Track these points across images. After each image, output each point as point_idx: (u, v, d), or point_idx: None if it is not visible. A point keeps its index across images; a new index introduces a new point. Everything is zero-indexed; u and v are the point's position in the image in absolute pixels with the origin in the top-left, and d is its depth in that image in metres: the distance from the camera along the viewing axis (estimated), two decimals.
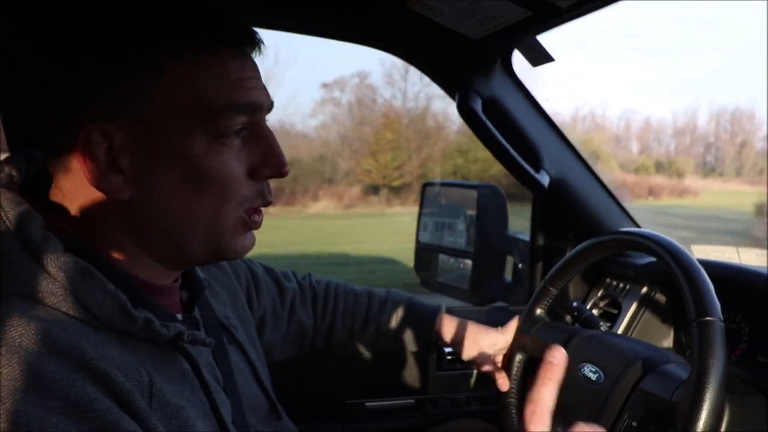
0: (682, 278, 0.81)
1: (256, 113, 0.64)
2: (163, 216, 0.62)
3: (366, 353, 1.38)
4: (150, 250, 0.64)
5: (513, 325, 1.11)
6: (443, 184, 2.05)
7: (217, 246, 0.65)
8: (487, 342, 1.10)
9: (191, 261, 0.68)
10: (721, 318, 0.76)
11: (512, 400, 1.09)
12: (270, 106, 0.67)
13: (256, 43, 0.65)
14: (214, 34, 0.61)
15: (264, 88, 0.66)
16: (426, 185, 2.00)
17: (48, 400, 0.46)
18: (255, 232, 0.69)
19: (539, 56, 1.11)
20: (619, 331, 1.22)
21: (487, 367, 1.10)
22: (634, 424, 0.84)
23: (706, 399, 0.71)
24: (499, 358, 1.11)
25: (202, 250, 0.64)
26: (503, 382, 1.07)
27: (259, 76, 0.66)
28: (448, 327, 1.12)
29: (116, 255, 0.62)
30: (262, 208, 0.68)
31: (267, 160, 0.65)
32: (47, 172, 0.62)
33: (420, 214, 1.98)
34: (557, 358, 0.63)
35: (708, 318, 0.76)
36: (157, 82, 0.59)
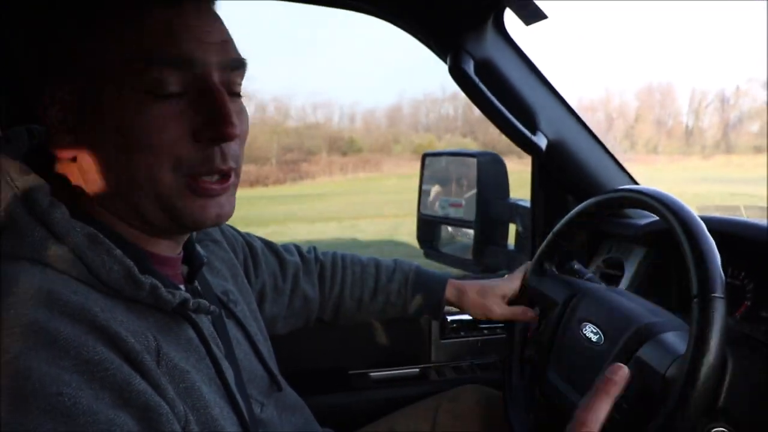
0: (686, 246, 0.78)
1: (193, 68, 0.59)
2: (111, 177, 0.60)
3: (369, 323, 1.38)
4: (124, 214, 0.63)
5: (520, 273, 1.14)
6: (443, 154, 2.03)
7: (170, 211, 0.62)
8: (495, 293, 1.12)
9: (158, 226, 0.64)
10: (724, 294, 0.73)
11: (516, 351, 1.09)
12: (227, 63, 0.62)
13: None
14: None
15: (220, 44, 0.62)
16: (426, 155, 1.98)
17: (61, 360, 0.47)
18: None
19: (531, 14, 1.08)
20: None
21: (504, 315, 1.11)
22: (629, 393, 0.83)
23: (699, 381, 0.69)
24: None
25: (159, 214, 0.62)
26: (529, 313, 1.10)
27: (216, 29, 0.62)
28: (457, 292, 1.14)
29: (118, 224, 0.63)
30: (227, 176, 0.64)
31: (211, 120, 0.60)
32: (45, 145, 0.62)
33: (421, 185, 1.96)
34: (618, 376, 0.63)
35: (710, 295, 0.72)
36: (95, 37, 0.58)
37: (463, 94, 1.16)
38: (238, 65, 0.64)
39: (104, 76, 0.58)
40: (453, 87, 1.14)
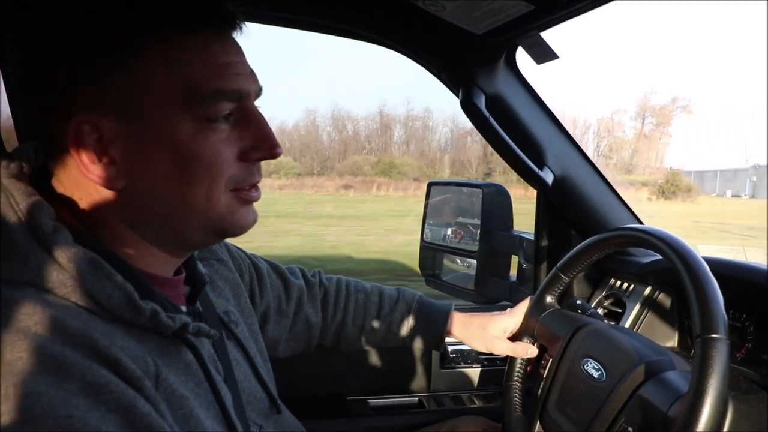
0: (690, 286, 0.78)
1: (243, 99, 0.65)
2: (158, 202, 0.63)
3: (368, 350, 1.38)
4: (151, 238, 0.65)
5: (522, 308, 1.14)
6: (448, 183, 2.05)
7: (217, 226, 0.66)
8: (497, 327, 1.12)
9: (191, 244, 0.69)
10: (727, 335, 0.73)
11: (516, 384, 1.09)
12: (258, 91, 0.68)
13: (237, 24, 0.65)
14: (194, 14, 0.61)
15: (252, 74, 0.67)
16: (431, 184, 2.00)
17: (66, 383, 0.47)
18: None
19: (543, 54, 1.11)
20: None
21: (505, 350, 1.11)
22: (630, 429, 0.83)
23: (702, 420, 0.69)
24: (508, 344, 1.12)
25: (202, 231, 0.66)
26: (531, 351, 1.10)
27: (245, 60, 0.66)
28: (459, 324, 1.15)
29: (121, 247, 0.63)
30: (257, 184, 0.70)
31: (258, 143, 0.66)
32: (48, 165, 0.63)
33: (425, 214, 1.98)
34: None
35: (713, 335, 0.73)
36: (142, 68, 0.59)
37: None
38: (261, 92, 0.69)
39: (159, 107, 0.60)
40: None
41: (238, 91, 0.64)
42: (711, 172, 47.61)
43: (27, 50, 0.60)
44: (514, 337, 1.13)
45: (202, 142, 0.62)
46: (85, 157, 0.59)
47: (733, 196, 40.12)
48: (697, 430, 0.69)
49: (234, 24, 0.65)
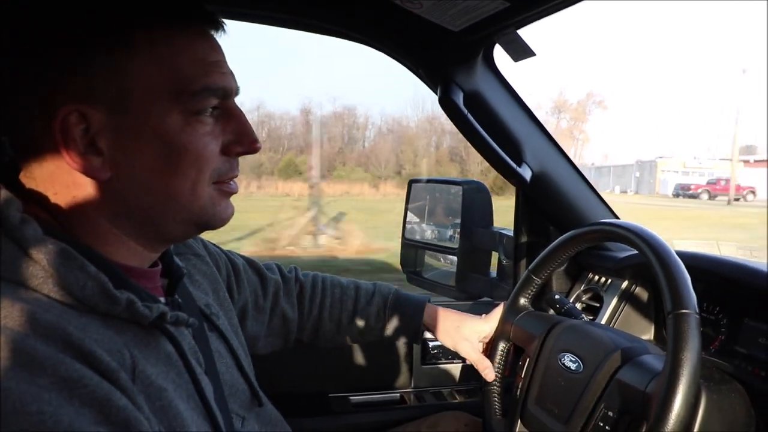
0: (659, 269, 0.81)
1: (227, 97, 0.68)
2: (141, 194, 0.63)
3: (350, 347, 1.39)
4: (130, 231, 0.65)
5: (497, 313, 1.14)
6: (429, 181, 2.06)
7: (198, 218, 0.67)
8: (472, 330, 1.12)
9: (171, 237, 0.70)
10: (697, 310, 0.76)
11: (495, 387, 1.10)
12: (237, 89, 0.70)
13: (220, 23, 0.68)
14: (183, 13, 0.63)
15: (232, 73, 0.69)
16: (412, 182, 2.01)
17: (39, 378, 0.47)
18: None
19: (520, 51, 1.12)
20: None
21: (471, 356, 1.11)
22: (611, 413, 0.85)
23: (679, 391, 0.71)
24: (483, 346, 1.13)
25: (183, 224, 0.67)
26: (488, 373, 1.09)
27: (226, 59, 0.68)
28: (434, 318, 1.14)
29: (96, 240, 0.63)
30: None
31: (239, 138, 0.69)
32: (16, 161, 0.62)
33: (406, 211, 1.98)
34: None
35: (683, 310, 0.76)
36: (131, 59, 0.60)
37: None
38: (239, 91, 0.72)
39: (148, 99, 0.61)
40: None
41: (224, 89, 0.66)
42: (606, 168, 47.79)
43: (12, 41, 0.59)
44: (490, 342, 1.13)
45: (190, 135, 0.63)
46: (72, 148, 0.59)
47: (621, 191, 40.56)
48: (675, 402, 0.71)
49: (218, 24, 0.67)
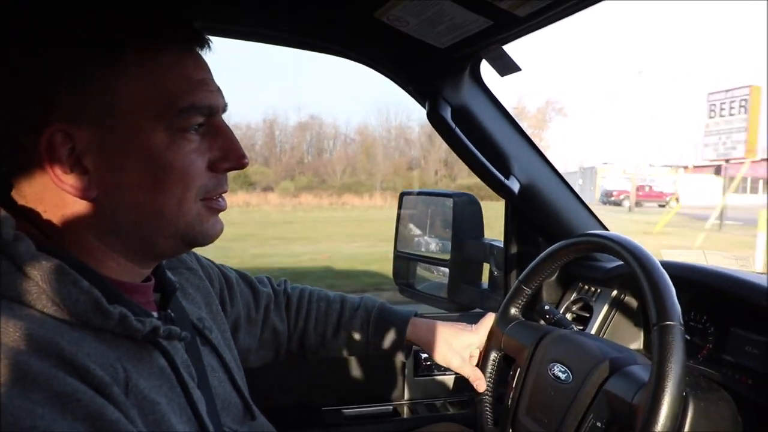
0: (644, 280, 0.83)
1: (214, 114, 0.68)
2: (129, 211, 0.64)
3: (342, 360, 1.39)
4: (119, 248, 0.65)
5: (486, 323, 1.14)
6: (420, 193, 2.07)
7: (186, 234, 0.68)
8: (461, 343, 1.11)
9: (160, 254, 0.71)
10: (681, 322, 0.77)
11: (487, 397, 1.10)
12: (225, 106, 0.71)
13: (206, 42, 0.69)
14: (170, 31, 0.64)
15: (219, 90, 0.70)
16: (403, 194, 2.01)
17: (32, 393, 0.47)
18: None
19: (506, 66, 1.14)
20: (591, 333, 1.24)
21: (462, 369, 1.11)
22: (599, 424, 0.86)
23: (664, 403, 0.72)
24: (474, 358, 1.13)
25: (171, 240, 0.67)
26: (479, 384, 1.09)
27: (213, 77, 0.69)
28: (420, 332, 1.13)
29: (87, 257, 0.63)
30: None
31: (227, 154, 0.69)
32: (8, 178, 0.62)
33: (397, 223, 1.99)
34: None
35: (668, 322, 0.77)
36: (119, 78, 0.61)
37: None
38: (227, 108, 0.72)
39: (134, 118, 0.62)
40: None
41: (210, 107, 0.67)
42: None
43: (1, 59, 0.60)
44: (482, 352, 1.13)
45: (176, 152, 0.64)
46: (58, 168, 0.60)
47: None
48: (660, 414, 0.72)
49: (204, 41, 0.68)
